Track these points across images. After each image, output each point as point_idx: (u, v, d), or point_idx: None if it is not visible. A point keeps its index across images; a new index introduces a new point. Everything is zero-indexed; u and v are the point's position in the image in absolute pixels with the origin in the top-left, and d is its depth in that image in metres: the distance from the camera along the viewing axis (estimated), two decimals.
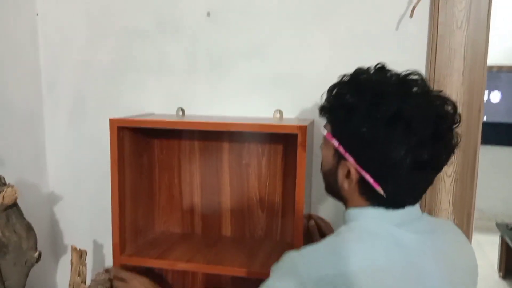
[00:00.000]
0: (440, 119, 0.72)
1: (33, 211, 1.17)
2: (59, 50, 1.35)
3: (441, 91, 0.76)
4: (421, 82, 0.74)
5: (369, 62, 0.80)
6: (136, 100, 1.31)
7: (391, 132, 0.70)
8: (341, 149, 0.75)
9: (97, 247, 1.39)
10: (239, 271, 1.09)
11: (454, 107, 0.74)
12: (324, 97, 0.80)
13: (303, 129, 0.99)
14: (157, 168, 1.31)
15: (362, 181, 0.74)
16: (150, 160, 1.29)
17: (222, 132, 1.25)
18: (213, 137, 1.26)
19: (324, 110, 0.80)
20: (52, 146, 1.40)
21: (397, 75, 0.76)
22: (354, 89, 0.75)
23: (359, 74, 0.78)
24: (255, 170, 1.25)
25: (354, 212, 0.78)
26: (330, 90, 0.79)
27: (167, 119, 1.15)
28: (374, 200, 0.75)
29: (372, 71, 0.78)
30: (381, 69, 0.78)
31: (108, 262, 1.38)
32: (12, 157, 1.25)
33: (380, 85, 0.73)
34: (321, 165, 0.85)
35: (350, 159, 0.74)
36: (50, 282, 1.43)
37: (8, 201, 0.97)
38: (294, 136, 1.00)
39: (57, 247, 1.44)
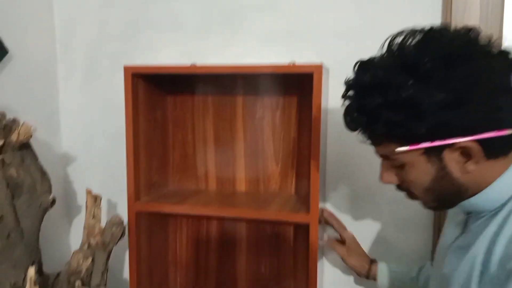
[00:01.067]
0: None
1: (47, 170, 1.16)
2: (74, 9, 1.36)
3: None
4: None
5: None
6: (150, 58, 1.31)
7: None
8: (438, 143, 0.65)
9: (111, 206, 1.39)
10: (255, 214, 1.07)
11: None
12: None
13: (319, 68, 0.98)
14: (170, 125, 1.31)
15: (484, 144, 0.64)
16: (163, 116, 1.29)
17: (235, 85, 1.25)
18: (226, 90, 1.26)
19: (389, 125, 0.66)
20: (66, 106, 1.40)
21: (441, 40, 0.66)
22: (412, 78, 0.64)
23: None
24: (270, 124, 1.24)
25: (502, 183, 0.67)
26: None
27: (181, 66, 1.15)
28: (506, 150, 0.67)
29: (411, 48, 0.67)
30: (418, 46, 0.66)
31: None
32: (26, 117, 1.25)
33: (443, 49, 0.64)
34: (415, 190, 0.73)
35: (457, 140, 0.63)
36: (63, 243, 1.43)
37: (23, 137, 0.97)
38: (309, 87, 0.98)
39: (71, 208, 1.44)
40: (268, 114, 1.24)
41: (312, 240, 1.03)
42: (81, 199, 1.43)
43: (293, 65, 1.03)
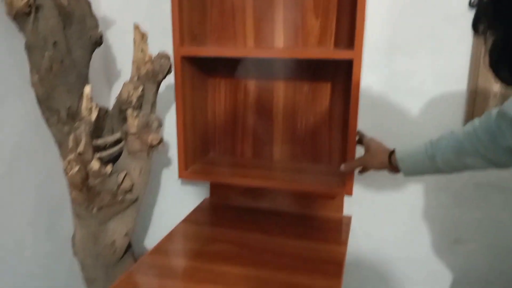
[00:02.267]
0: None
1: None
2: None
3: None
4: None
5: None
6: None
7: None
8: None
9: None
10: (295, 53, 1.10)
11: None
12: None
13: None
14: None
15: None
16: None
17: None
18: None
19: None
20: None
21: None
22: None
23: None
24: None
25: None
26: None
27: None
28: None
29: None
30: None
31: None
32: None
33: None
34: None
35: None
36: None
37: None
38: None
39: (111, 73, 1.48)
40: None
41: (355, 77, 1.06)
42: (122, 63, 1.47)
43: None
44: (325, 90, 1.28)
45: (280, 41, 1.30)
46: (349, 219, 1.29)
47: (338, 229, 1.22)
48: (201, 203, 1.41)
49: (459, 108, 1.17)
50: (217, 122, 1.41)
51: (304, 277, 0.97)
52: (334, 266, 1.01)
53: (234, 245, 1.12)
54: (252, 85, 1.35)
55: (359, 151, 1.12)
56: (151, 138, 1.02)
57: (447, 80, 1.17)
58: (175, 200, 1.51)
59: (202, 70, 1.31)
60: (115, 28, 1.45)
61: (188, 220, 1.28)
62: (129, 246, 1.18)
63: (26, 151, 1.15)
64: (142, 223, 1.56)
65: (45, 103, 1.07)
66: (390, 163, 0.99)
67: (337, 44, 1.24)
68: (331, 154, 1.32)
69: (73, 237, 1.13)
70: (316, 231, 1.21)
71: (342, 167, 1.10)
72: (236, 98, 1.37)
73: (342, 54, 1.07)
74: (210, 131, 1.42)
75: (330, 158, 1.33)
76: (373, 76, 1.23)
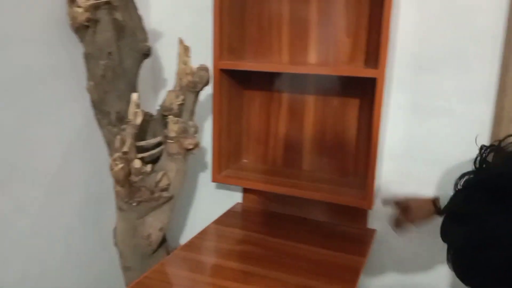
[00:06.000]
0: None
1: None
2: None
3: None
4: None
5: None
6: None
7: None
8: None
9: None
10: (325, 70, 1.16)
11: None
12: None
13: None
14: None
15: None
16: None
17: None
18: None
19: None
20: None
21: None
22: None
23: None
24: None
25: None
26: None
27: None
28: None
29: None
30: None
31: None
32: None
33: None
34: None
35: None
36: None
37: None
38: None
39: (158, 81, 1.61)
40: None
41: (378, 95, 1.11)
42: (167, 72, 1.60)
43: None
44: (353, 105, 1.34)
45: (313, 57, 1.37)
46: (373, 232, 1.33)
47: (360, 240, 1.27)
48: (233, 207, 1.50)
49: (484, 128, 1.19)
50: (251, 131, 1.49)
51: (320, 282, 1.02)
52: (351, 274, 1.06)
53: (259, 247, 1.19)
54: (285, 97, 1.43)
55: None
56: (188, 142, 1.12)
57: (473, 99, 1.19)
58: (209, 202, 1.61)
59: (238, 81, 1.41)
60: (163, 41, 1.58)
61: (219, 221, 1.38)
62: (163, 240, 1.28)
63: (79, 148, 1.29)
64: (177, 221, 1.67)
65: (98, 106, 1.20)
66: (436, 207, 1.04)
67: (367, 62, 1.30)
68: (357, 167, 1.37)
69: (115, 229, 1.25)
70: (338, 240, 1.26)
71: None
72: (269, 109, 1.45)
73: (366, 73, 1.13)
74: (244, 139, 1.51)
75: (356, 171, 1.37)
76: (401, 93, 1.27)
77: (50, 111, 1.21)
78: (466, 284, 0.66)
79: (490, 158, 0.70)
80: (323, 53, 1.35)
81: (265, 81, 1.43)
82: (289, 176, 1.40)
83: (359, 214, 1.36)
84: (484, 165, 0.70)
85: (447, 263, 0.70)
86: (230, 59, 1.33)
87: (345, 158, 1.39)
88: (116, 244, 1.25)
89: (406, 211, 1.07)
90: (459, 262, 0.66)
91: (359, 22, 1.29)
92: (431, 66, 1.23)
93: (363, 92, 1.31)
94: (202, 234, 1.28)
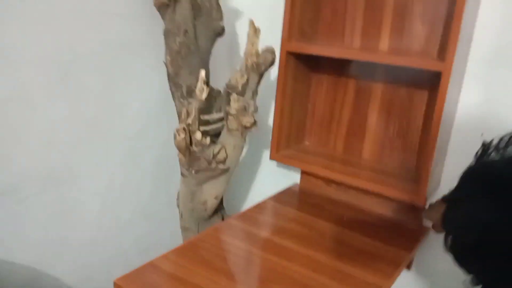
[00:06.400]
0: None
1: None
2: None
3: None
4: None
5: None
6: None
7: None
8: None
9: None
10: (392, 59, 1.14)
11: None
12: None
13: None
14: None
15: None
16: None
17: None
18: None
19: None
20: None
21: None
22: None
23: None
24: None
25: None
26: None
27: None
28: None
29: None
30: None
31: None
32: None
33: None
34: None
35: None
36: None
37: None
38: None
39: (232, 56, 1.69)
40: None
41: (442, 90, 1.07)
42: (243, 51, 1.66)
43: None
44: (421, 98, 1.29)
45: (385, 44, 1.33)
46: (426, 229, 1.30)
47: (410, 236, 1.24)
48: (290, 187, 1.55)
49: None
50: (315, 114, 1.52)
51: (358, 269, 1.04)
52: (390, 267, 1.06)
53: (307, 228, 1.23)
54: (351, 83, 1.42)
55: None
56: (246, 120, 1.19)
57: None
58: (269, 179, 1.68)
59: (307, 64, 1.43)
60: (242, 20, 1.65)
61: (275, 198, 1.44)
62: (218, 208, 1.38)
63: (156, 115, 1.43)
64: (237, 192, 1.77)
65: (172, 79, 1.32)
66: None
67: (440, 53, 1.23)
68: (419, 161, 1.33)
69: (178, 192, 1.38)
70: (387, 232, 1.25)
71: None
72: (335, 94, 1.46)
73: (431, 65, 1.08)
74: (308, 122, 1.54)
75: (417, 166, 1.33)
76: (473, 89, 1.20)
77: (133, 79, 1.36)
78: (466, 273, 0.66)
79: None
80: (396, 40, 1.31)
81: (333, 66, 1.44)
82: (348, 163, 1.40)
83: (416, 209, 1.32)
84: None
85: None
86: (300, 41, 1.35)
87: (407, 151, 1.36)
88: (178, 205, 1.38)
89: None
90: (454, 249, 0.67)
91: (436, 10, 1.22)
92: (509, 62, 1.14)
93: (432, 84, 1.25)
94: (257, 207, 1.36)
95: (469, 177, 0.69)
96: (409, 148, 1.35)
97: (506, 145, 0.71)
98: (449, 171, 1.28)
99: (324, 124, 1.50)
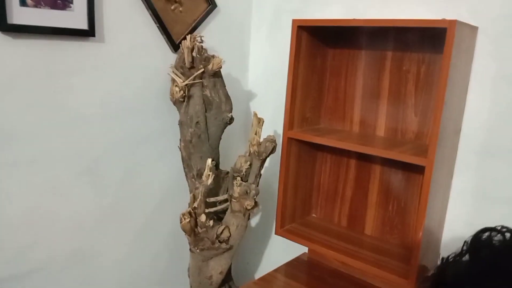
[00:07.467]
0: None
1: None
2: None
3: None
4: None
5: None
6: (321, 15, 1.55)
7: None
8: None
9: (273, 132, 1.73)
10: (381, 152, 1.25)
11: None
12: None
13: (453, 23, 1.05)
14: (328, 72, 1.54)
15: None
16: (322, 64, 1.52)
17: (386, 40, 1.38)
18: (377, 46, 1.40)
19: None
20: (254, 50, 1.78)
21: None
22: None
23: None
24: (414, 76, 1.34)
25: None
26: None
27: (333, 19, 1.35)
28: None
29: None
30: None
31: None
32: (224, 57, 1.67)
33: None
34: None
35: None
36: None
37: (216, 67, 1.37)
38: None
39: (248, 131, 1.84)
40: (414, 68, 1.33)
41: (425, 180, 1.14)
42: None
43: (426, 20, 1.12)
44: (418, 180, 1.36)
45: (381, 130, 1.43)
46: None
47: None
48: (299, 256, 1.63)
49: None
50: (321, 189, 1.62)
51: None
52: None
53: None
54: (353, 163, 1.52)
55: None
56: (247, 203, 1.31)
57: None
58: (277, 249, 1.77)
59: (310, 144, 1.54)
60: (257, 100, 1.81)
61: (280, 270, 1.53)
62: (226, 280, 1.50)
63: (171, 193, 1.60)
64: (240, 265, 1.87)
65: (186, 162, 1.48)
66: None
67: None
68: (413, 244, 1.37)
69: (189, 265, 1.51)
70: None
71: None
72: (338, 172, 1.56)
73: (415, 160, 1.16)
74: (315, 194, 1.64)
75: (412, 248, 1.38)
76: (463, 177, 1.26)
77: (153, 162, 1.54)
78: None
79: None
80: (392, 127, 1.40)
81: (334, 147, 1.54)
82: (350, 241, 1.46)
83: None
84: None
85: None
86: (302, 127, 1.48)
87: (406, 230, 1.41)
88: (189, 276, 1.51)
89: None
90: None
91: (427, 102, 1.31)
92: (499, 153, 1.20)
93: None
94: (260, 280, 1.45)
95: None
96: (408, 227, 1.41)
97: (461, 254, 0.77)
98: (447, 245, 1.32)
99: (329, 199, 1.60)
